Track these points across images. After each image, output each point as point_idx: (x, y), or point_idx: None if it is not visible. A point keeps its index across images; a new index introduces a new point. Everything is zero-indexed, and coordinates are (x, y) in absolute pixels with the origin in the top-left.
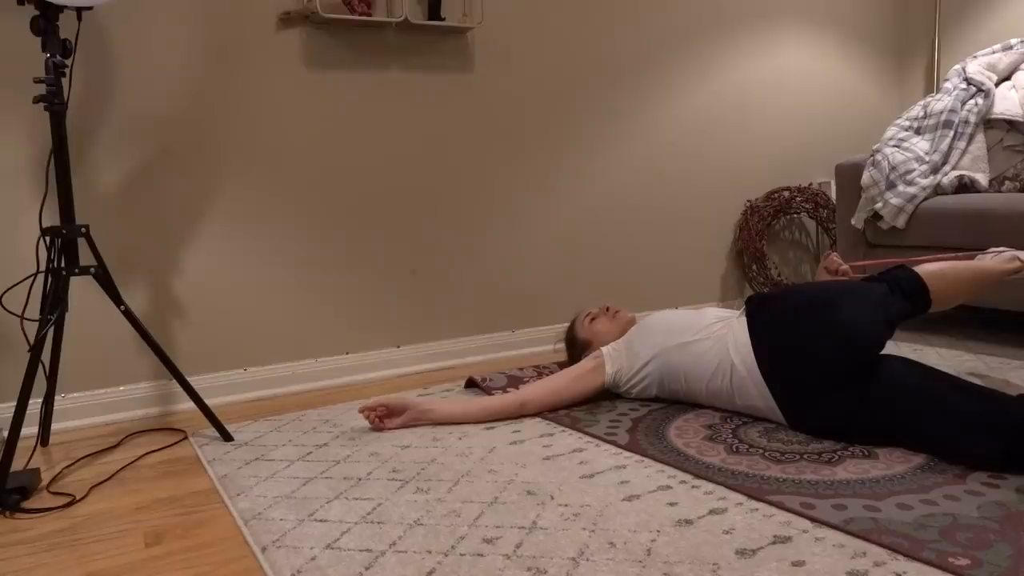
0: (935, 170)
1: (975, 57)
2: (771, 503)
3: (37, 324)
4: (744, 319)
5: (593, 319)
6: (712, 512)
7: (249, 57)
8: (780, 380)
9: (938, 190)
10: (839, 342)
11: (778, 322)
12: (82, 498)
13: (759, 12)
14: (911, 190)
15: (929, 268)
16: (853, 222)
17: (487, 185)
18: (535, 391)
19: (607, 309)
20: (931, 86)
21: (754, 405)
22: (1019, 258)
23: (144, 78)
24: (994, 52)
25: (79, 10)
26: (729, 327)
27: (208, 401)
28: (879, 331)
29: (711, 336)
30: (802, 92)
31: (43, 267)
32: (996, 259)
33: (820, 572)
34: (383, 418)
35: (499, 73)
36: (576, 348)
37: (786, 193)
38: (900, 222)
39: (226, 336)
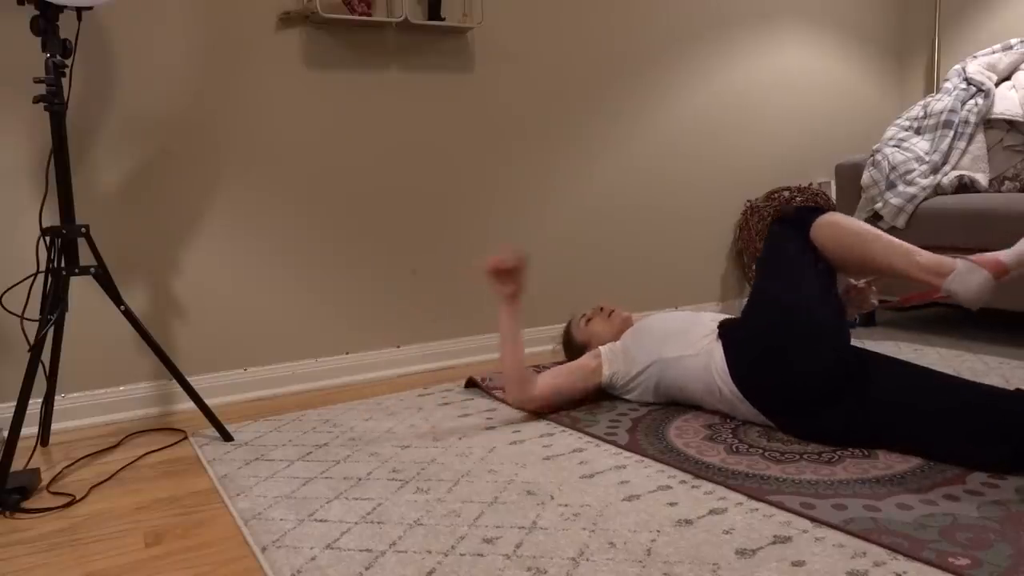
0: (935, 170)
1: (975, 57)
2: (771, 503)
3: (37, 324)
4: (719, 343)
5: (589, 320)
6: (712, 512)
7: (249, 57)
8: (763, 400)
9: (938, 190)
10: (812, 352)
11: (750, 339)
12: (82, 498)
13: (759, 12)
14: (911, 190)
15: (845, 224)
16: None
17: (487, 185)
18: (541, 383)
19: (601, 309)
20: (931, 86)
21: (750, 420)
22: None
23: (144, 78)
24: (994, 52)
25: (79, 10)
26: (712, 346)
27: (208, 401)
28: (844, 324)
29: (701, 352)
30: (802, 92)
31: (43, 267)
32: (935, 259)
33: (820, 572)
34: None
35: (499, 73)
36: (574, 351)
37: (786, 193)
38: (900, 222)
39: (226, 336)
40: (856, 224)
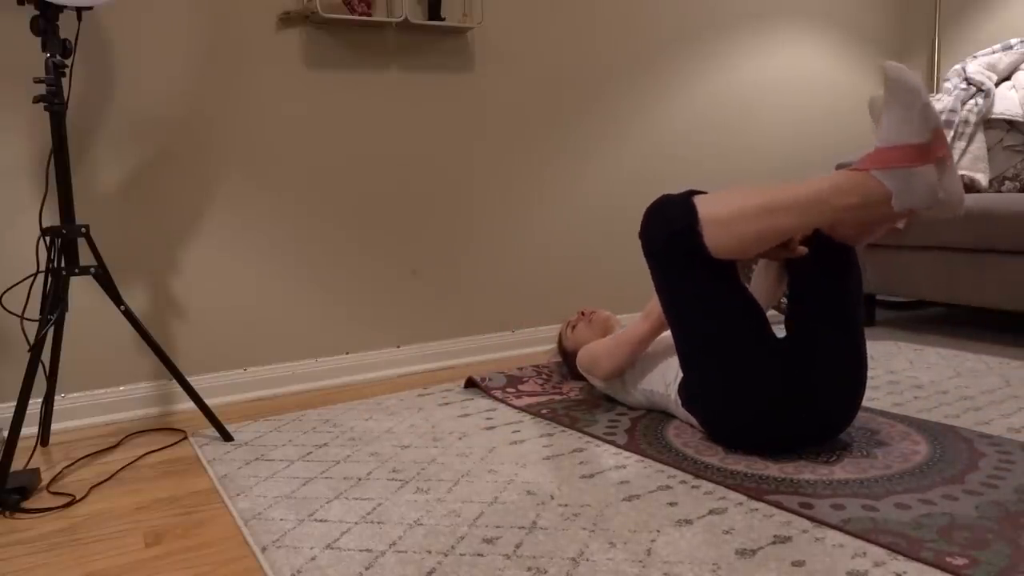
0: None
1: (975, 57)
2: (770, 503)
3: (37, 324)
4: (683, 408)
5: (574, 327)
6: (712, 512)
7: (249, 57)
8: (752, 446)
9: None
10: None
11: (711, 414)
12: (82, 498)
13: (759, 12)
14: None
15: (735, 231)
16: None
17: (487, 185)
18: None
19: (583, 314)
20: (931, 86)
21: None
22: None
23: (144, 78)
24: (994, 52)
25: (79, 10)
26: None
27: (208, 401)
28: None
29: (672, 403)
30: (802, 92)
31: (43, 267)
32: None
33: (820, 572)
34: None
35: (499, 73)
36: (569, 359)
37: None
38: (899, 222)
39: (226, 336)
40: (743, 221)
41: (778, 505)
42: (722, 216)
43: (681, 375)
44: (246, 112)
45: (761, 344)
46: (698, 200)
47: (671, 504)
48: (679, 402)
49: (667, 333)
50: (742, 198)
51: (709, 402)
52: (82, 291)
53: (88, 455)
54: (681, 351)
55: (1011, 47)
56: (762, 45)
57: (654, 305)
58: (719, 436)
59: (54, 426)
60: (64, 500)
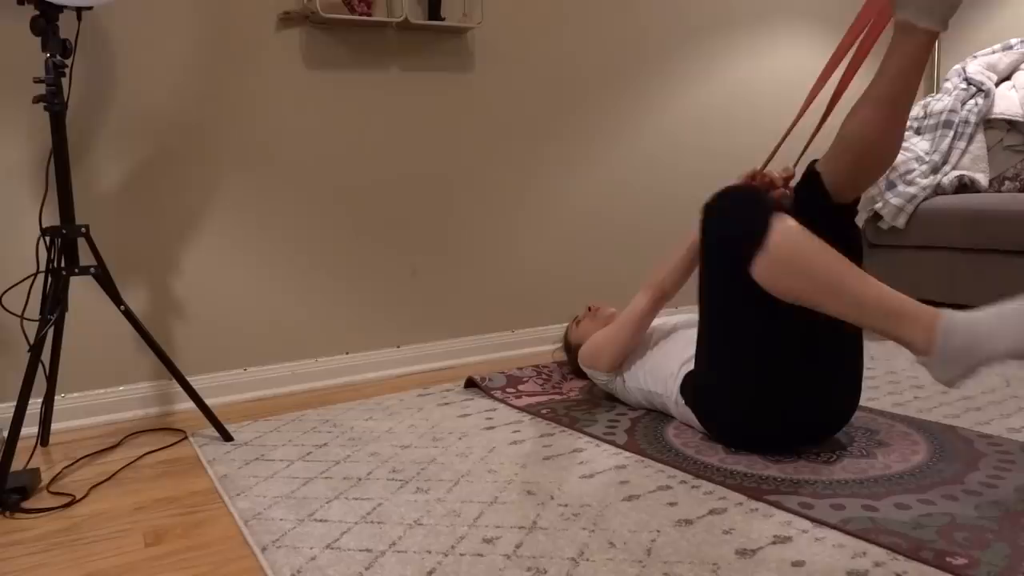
0: (935, 170)
1: (975, 57)
2: (770, 503)
3: (37, 324)
4: (687, 408)
5: (579, 322)
6: (712, 512)
7: (249, 57)
8: (754, 448)
9: (938, 190)
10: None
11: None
12: (82, 498)
13: (759, 13)
14: (911, 190)
15: (797, 280)
16: None
17: (487, 185)
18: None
19: (589, 309)
20: (931, 86)
21: None
22: None
23: (144, 78)
24: (994, 52)
25: (79, 10)
26: (684, 410)
27: (208, 401)
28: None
29: (671, 402)
30: (802, 93)
31: (43, 267)
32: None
33: (820, 572)
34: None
35: (499, 73)
36: (571, 353)
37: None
38: (900, 222)
39: (226, 336)
40: (801, 278)
41: (778, 505)
42: (789, 257)
43: (682, 375)
44: (246, 112)
45: (801, 351)
46: (779, 223)
47: (671, 504)
48: (680, 401)
49: (664, 331)
50: (822, 257)
51: (722, 402)
52: (82, 291)
53: (88, 455)
54: (707, 341)
55: (1011, 47)
56: (765, 45)
57: (654, 275)
58: (722, 435)
59: (54, 426)
60: (64, 500)
